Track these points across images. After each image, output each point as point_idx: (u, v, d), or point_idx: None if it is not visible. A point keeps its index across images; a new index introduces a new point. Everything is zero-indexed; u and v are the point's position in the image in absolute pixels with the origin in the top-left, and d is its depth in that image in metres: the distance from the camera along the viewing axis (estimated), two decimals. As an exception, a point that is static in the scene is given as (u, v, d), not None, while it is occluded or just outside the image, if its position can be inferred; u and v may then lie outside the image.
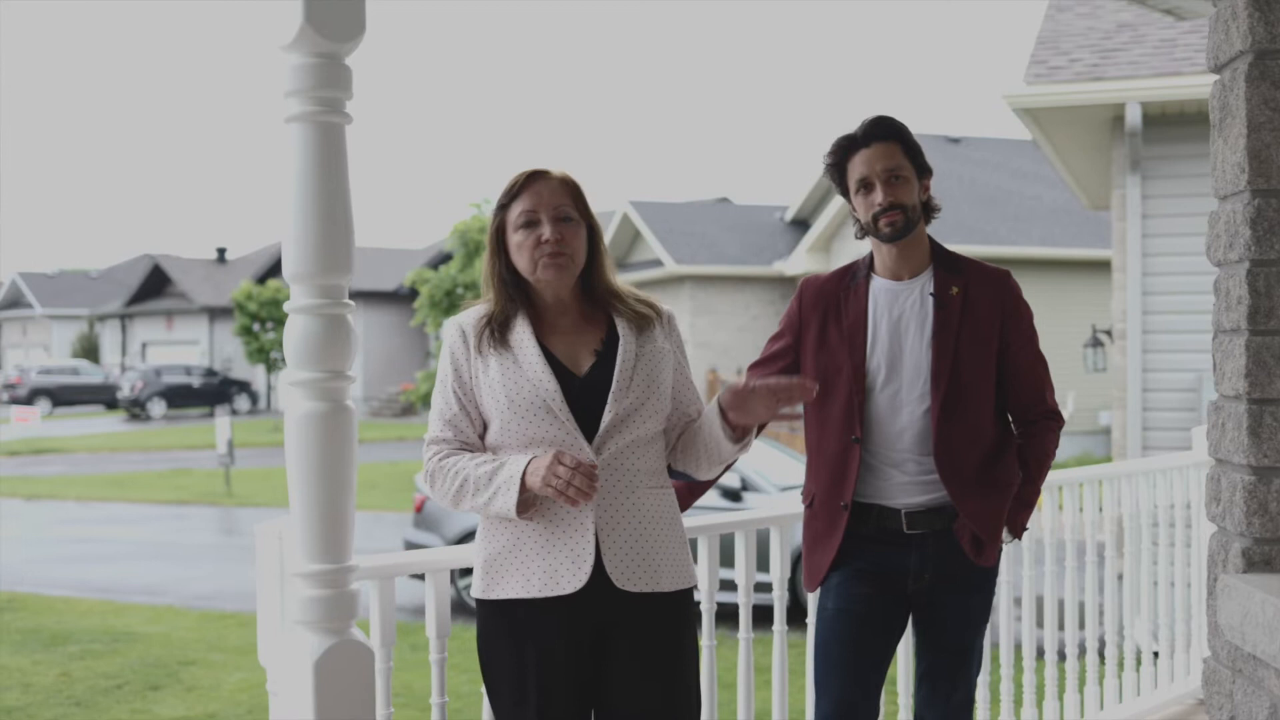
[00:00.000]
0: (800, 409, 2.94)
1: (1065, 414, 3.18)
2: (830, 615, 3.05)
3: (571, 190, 2.63)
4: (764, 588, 7.26)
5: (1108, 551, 4.61)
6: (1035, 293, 3.17)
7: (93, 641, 9.34)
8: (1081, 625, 4.70)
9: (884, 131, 2.99)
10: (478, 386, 2.60)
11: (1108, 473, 4.57)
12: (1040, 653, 6.19)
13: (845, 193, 3.07)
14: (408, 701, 7.21)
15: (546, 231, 2.57)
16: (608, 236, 24.38)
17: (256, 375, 40.47)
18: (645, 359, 2.62)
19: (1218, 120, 2.44)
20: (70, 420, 36.89)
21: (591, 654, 2.57)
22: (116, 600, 11.19)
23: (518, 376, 2.55)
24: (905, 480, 3.00)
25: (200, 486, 19.86)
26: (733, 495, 9.51)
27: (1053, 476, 4.03)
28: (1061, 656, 4.52)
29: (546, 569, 2.53)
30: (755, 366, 3.19)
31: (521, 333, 2.60)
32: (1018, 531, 3.13)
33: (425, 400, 23.77)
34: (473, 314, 2.66)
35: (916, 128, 3.05)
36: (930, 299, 3.02)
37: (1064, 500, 4.39)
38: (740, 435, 2.64)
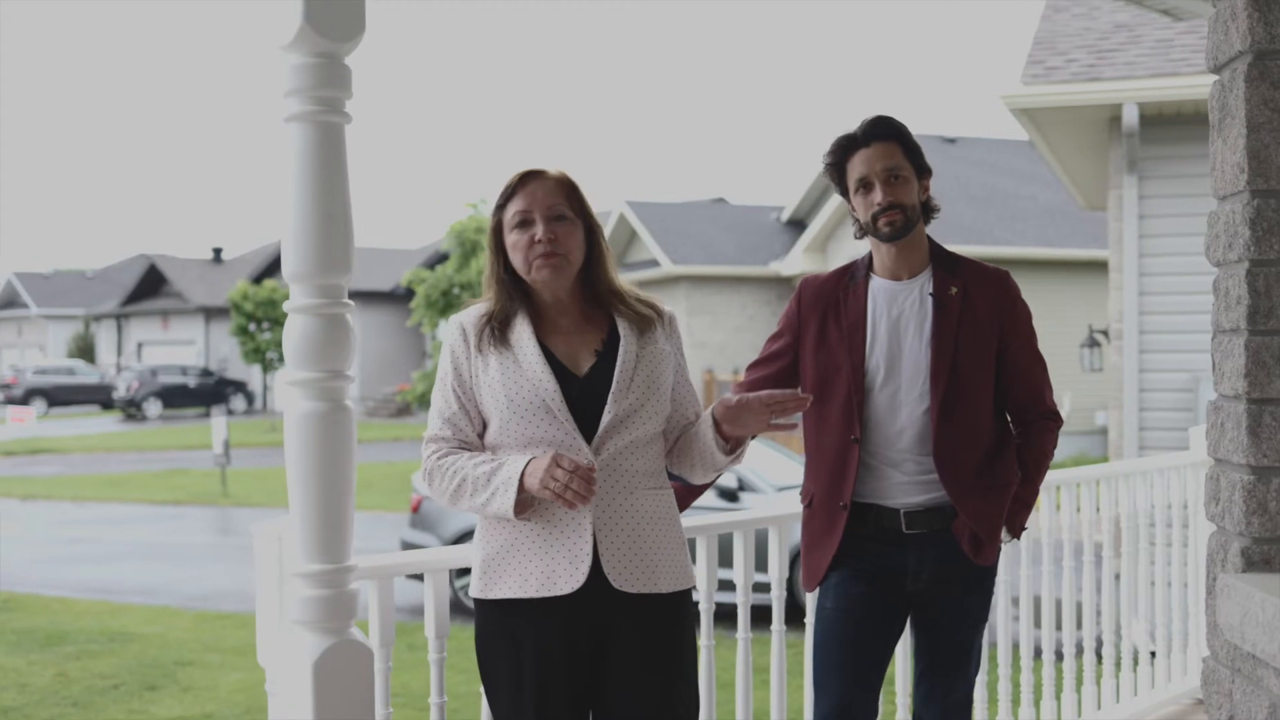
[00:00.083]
0: (796, 418, 2.94)
1: (1062, 414, 3.19)
2: (829, 615, 3.05)
3: (567, 189, 2.63)
4: (762, 588, 7.27)
5: (1105, 551, 4.62)
6: (1031, 293, 3.17)
7: (89, 642, 9.33)
8: (1079, 625, 4.70)
9: (884, 131, 2.99)
10: (477, 385, 2.60)
11: (1105, 473, 4.57)
12: (1038, 652, 6.20)
13: (845, 192, 3.07)
14: (406, 701, 7.21)
15: (539, 232, 2.57)
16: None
17: (252, 375, 40.44)
18: (646, 360, 2.62)
19: (1217, 120, 2.44)
20: (66, 420, 36.86)
21: (589, 655, 2.57)
22: (113, 600, 11.18)
23: (517, 376, 2.55)
24: (904, 480, 3.01)
25: (196, 487, 19.84)
26: (730, 495, 9.51)
27: (1050, 476, 4.03)
28: (1059, 656, 4.54)
29: (544, 569, 2.53)
30: (754, 366, 3.19)
31: (522, 332, 2.60)
32: (1017, 531, 3.13)
33: (421, 400, 23.79)
34: (473, 312, 2.66)
35: (913, 128, 3.05)
36: (929, 299, 3.02)
37: (1061, 500, 4.39)
38: (733, 447, 2.65)
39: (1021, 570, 4.18)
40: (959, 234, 20.36)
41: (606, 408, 2.55)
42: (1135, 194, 8.53)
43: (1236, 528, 2.35)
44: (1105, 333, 10.54)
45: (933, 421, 2.97)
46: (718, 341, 26.49)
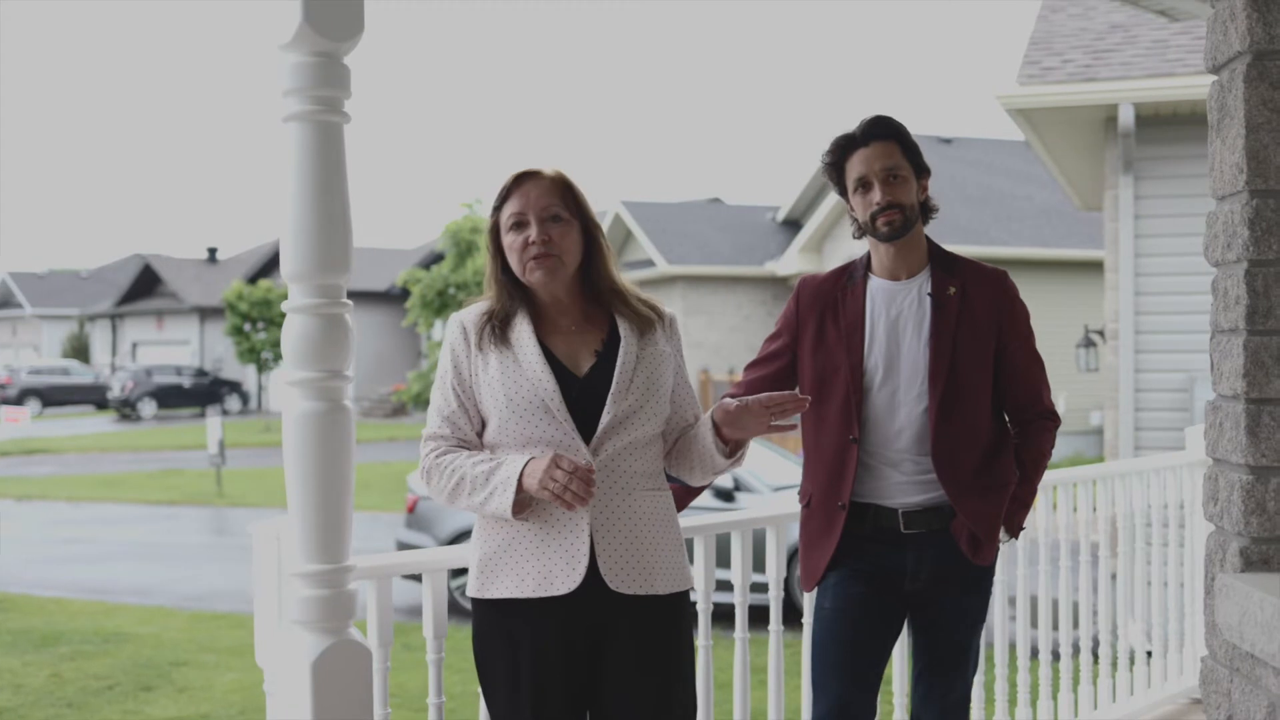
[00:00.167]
0: (795, 419, 2.95)
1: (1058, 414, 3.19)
2: (827, 615, 3.05)
3: (562, 189, 2.62)
4: (759, 588, 7.27)
5: (1101, 551, 4.62)
6: (1027, 293, 3.18)
7: (84, 642, 9.32)
8: (1076, 625, 4.71)
9: (883, 131, 2.99)
10: (477, 384, 2.60)
11: (1101, 473, 4.58)
12: (1034, 652, 6.21)
13: (843, 192, 3.07)
14: (402, 702, 7.20)
15: (533, 233, 2.57)
16: (600, 237, 24.31)
17: (247, 375, 40.41)
18: (646, 361, 2.61)
19: (1216, 121, 2.45)
20: (61, 421, 36.80)
21: (586, 655, 2.56)
22: (108, 601, 11.17)
23: (517, 375, 2.55)
24: (902, 480, 3.01)
25: (191, 487, 19.83)
26: (726, 495, 9.51)
27: (1047, 476, 4.04)
28: (1056, 656, 4.54)
29: (541, 570, 2.53)
30: (752, 366, 3.19)
31: (522, 331, 2.60)
32: (1015, 531, 3.13)
33: (417, 401, 23.77)
34: (474, 311, 2.66)
35: (909, 128, 3.05)
36: (928, 299, 3.02)
37: (1058, 500, 4.39)
38: (733, 450, 2.65)
39: (1018, 570, 4.19)
40: (955, 234, 20.37)
41: (606, 408, 2.55)
42: (1131, 194, 8.54)
43: (1235, 527, 2.35)
44: (1101, 333, 10.55)
45: (931, 421, 2.97)
46: (713, 341, 26.50)
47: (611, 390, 2.56)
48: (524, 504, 2.51)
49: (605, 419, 2.55)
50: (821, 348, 3.06)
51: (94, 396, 40.84)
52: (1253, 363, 2.32)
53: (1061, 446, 17.64)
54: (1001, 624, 4.08)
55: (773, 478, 9.74)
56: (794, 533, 3.49)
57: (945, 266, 3.06)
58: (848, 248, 22.78)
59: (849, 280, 3.10)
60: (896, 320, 3.03)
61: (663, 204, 30.11)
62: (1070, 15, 9.77)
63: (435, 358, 23.72)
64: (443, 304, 23.19)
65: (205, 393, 37.99)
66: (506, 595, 2.55)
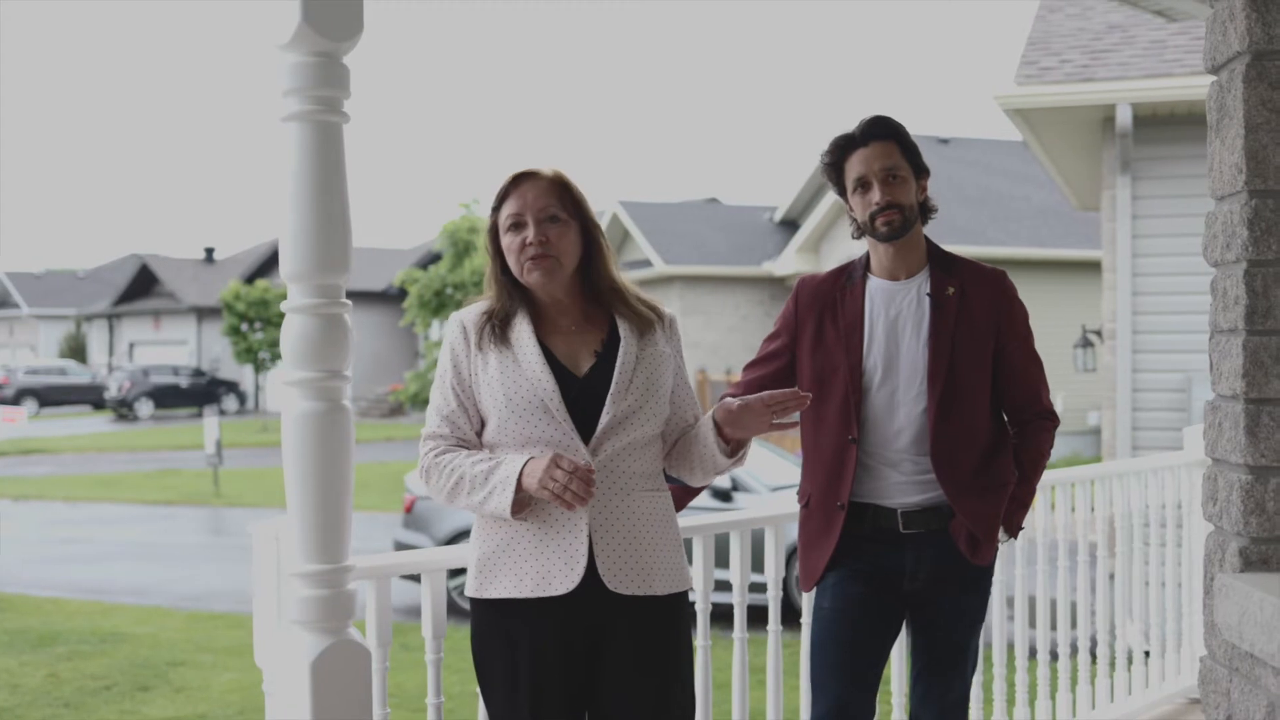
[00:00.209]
0: (795, 416, 2.95)
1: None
2: (826, 615, 3.05)
3: (560, 189, 2.62)
4: (759, 588, 7.26)
5: (1099, 551, 4.62)
6: (1024, 293, 3.19)
7: (81, 642, 9.31)
8: (1074, 625, 4.71)
9: (882, 131, 2.99)
10: (477, 384, 2.60)
11: (1099, 473, 4.58)
12: (1032, 652, 6.21)
13: (842, 192, 3.07)
14: (400, 702, 7.20)
15: (530, 234, 2.57)
16: (597, 237, 24.31)
17: (245, 375, 40.39)
18: (645, 362, 2.61)
19: (1215, 121, 2.45)
20: (57, 420, 36.77)
21: (584, 655, 2.56)
22: (104, 601, 11.16)
23: (516, 375, 2.55)
24: (901, 480, 3.01)
25: (188, 487, 19.81)
26: (723, 495, 9.51)
27: (1045, 476, 4.04)
28: (1054, 656, 4.54)
29: (539, 570, 2.53)
30: (751, 366, 3.19)
31: (522, 331, 2.60)
32: (1014, 531, 3.13)
33: (414, 401, 23.75)
34: (474, 310, 2.66)
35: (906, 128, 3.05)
36: (927, 299, 3.02)
37: (1056, 500, 4.39)
38: (735, 449, 2.65)
39: (1017, 570, 4.19)
40: (952, 235, 20.38)
41: (605, 409, 2.55)
42: (1129, 194, 8.55)
43: (1234, 527, 2.35)
44: (1099, 333, 10.56)
45: (930, 421, 2.97)
46: (711, 342, 26.50)
47: (611, 390, 2.55)
48: (523, 503, 2.51)
49: (604, 419, 2.54)
50: (820, 348, 3.06)
51: (91, 396, 40.81)
52: (1252, 363, 2.32)
53: (1059, 446, 17.54)
54: (1000, 624, 4.08)
55: (770, 478, 9.74)
56: (792, 533, 3.49)
57: (944, 266, 3.06)
58: (845, 248, 22.78)
59: (848, 280, 3.10)
60: (895, 320, 3.03)
61: (660, 204, 30.12)
62: (1068, 15, 9.78)
63: (432, 358, 23.71)
64: (440, 304, 23.18)
65: (202, 393, 37.97)
66: (505, 595, 2.55)
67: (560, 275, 2.60)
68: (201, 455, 20.92)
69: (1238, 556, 2.33)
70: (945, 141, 26.50)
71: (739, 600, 3.39)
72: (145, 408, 36.63)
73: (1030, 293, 3.14)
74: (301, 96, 2.28)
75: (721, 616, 3.82)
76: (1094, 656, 4.58)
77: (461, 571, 2.92)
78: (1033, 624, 4.95)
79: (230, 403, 38.72)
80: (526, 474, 2.48)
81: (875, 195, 2.97)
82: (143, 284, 45.01)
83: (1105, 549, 4.63)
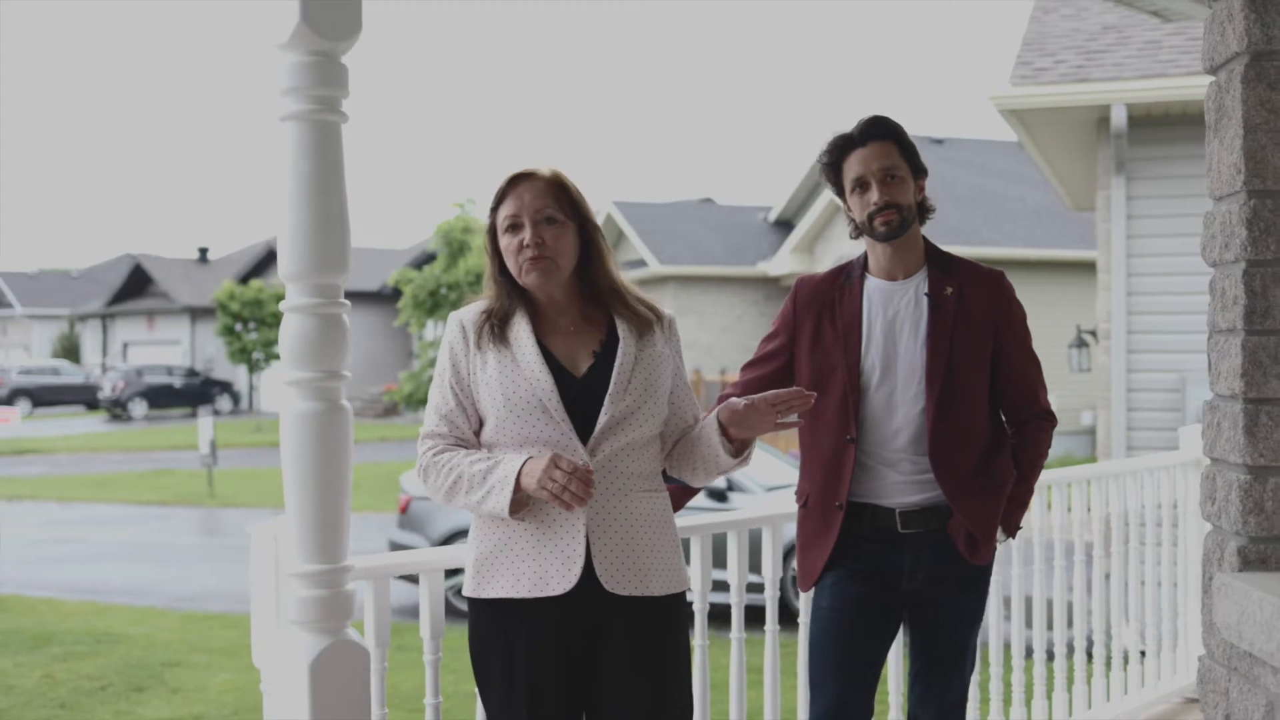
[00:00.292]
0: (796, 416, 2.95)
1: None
2: (825, 615, 3.05)
3: (557, 190, 2.62)
4: (755, 588, 7.25)
5: (1095, 551, 4.63)
6: (1019, 294, 3.20)
7: (76, 643, 9.29)
8: (1070, 624, 4.72)
9: (880, 131, 2.99)
10: (475, 383, 2.59)
11: (1095, 473, 4.59)
12: (1029, 652, 6.21)
13: (841, 192, 3.07)
14: (396, 703, 7.19)
15: (527, 236, 2.57)
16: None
17: (238, 375, 40.34)
18: (644, 362, 2.61)
19: (1213, 121, 2.45)
20: (51, 421, 36.71)
21: (582, 656, 2.56)
22: (99, 601, 11.14)
23: (515, 375, 2.55)
24: (900, 480, 3.01)
25: (182, 487, 19.79)
26: (719, 496, 9.50)
27: (1041, 476, 4.05)
28: (1050, 656, 4.54)
29: (536, 570, 2.53)
30: (749, 366, 3.19)
31: (521, 331, 2.60)
32: (1012, 530, 3.13)
33: (408, 401, 23.72)
34: (473, 309, 2.66)
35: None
36: (925, 299, 3.02)
37: (1052, 500, 4.40)
38: (740, 449, 2.65)
39: (1013, 570, 4.19)
40: (946, 235, 20.40)
41: (603, 409, 2.55)
42: (1123, 195, 8.56)
43: (1233, 527, 2.36)
44: (1093, 333, 10.57)
45: (928, 421, 2.97)
46: (705, 341, 26.51)
47: (609, 391, 2.55)
48: (521, 503, 2.51)
49: (602, 419, 2.54)
50: (819, 348, 3.06)
51: (85, 396, 40.76)
52: (1250, 362, 2.32)
53: (1054, 446, 17.62)
54: (996, 624, 4.08)
55: (766, 478, 9.73)
56: (790, 532, 3.48)
57: (942, 266, 3.06)
58: (839, 248, 22.80)
59: (846, 280, 3.10)
60: (894, 320, 3.03)
61: (655, 204, 30.13)
62: (1063, 16, 9.79)
63: (427, 358, 23.68)
64: (435, 304, 23.16)
65: (196, 393, 37.91)
66: (502, 595, 2.55)
67: (558, 276, 2.60)
68: (195, 455, 20.90)
69: (1236, 556, 2.33)
70: (940, 142, 26.53)
71: (736, 600, 3.39)
72: (139, 408, 36.58)
73: (1024, 293, 3.15)
74: (300, 96, 2.27)
75: (716, 616, 3.82)
76: (1090, 656, 4.58)
77: (454, 572, 2.92)
78: (1029, 624, 4.95)
79: (224, 403, 38.67)
80: (525, 474, 2.48)
81: (874, 195, 2.97)
82: (136, 284, 44.95)
83: (1101, 549, 4.64)
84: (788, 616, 6.60)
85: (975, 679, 3.81)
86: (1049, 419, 3.12)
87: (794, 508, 3.22)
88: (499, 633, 2.57)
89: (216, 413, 36.98)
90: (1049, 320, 18.43)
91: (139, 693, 7.93)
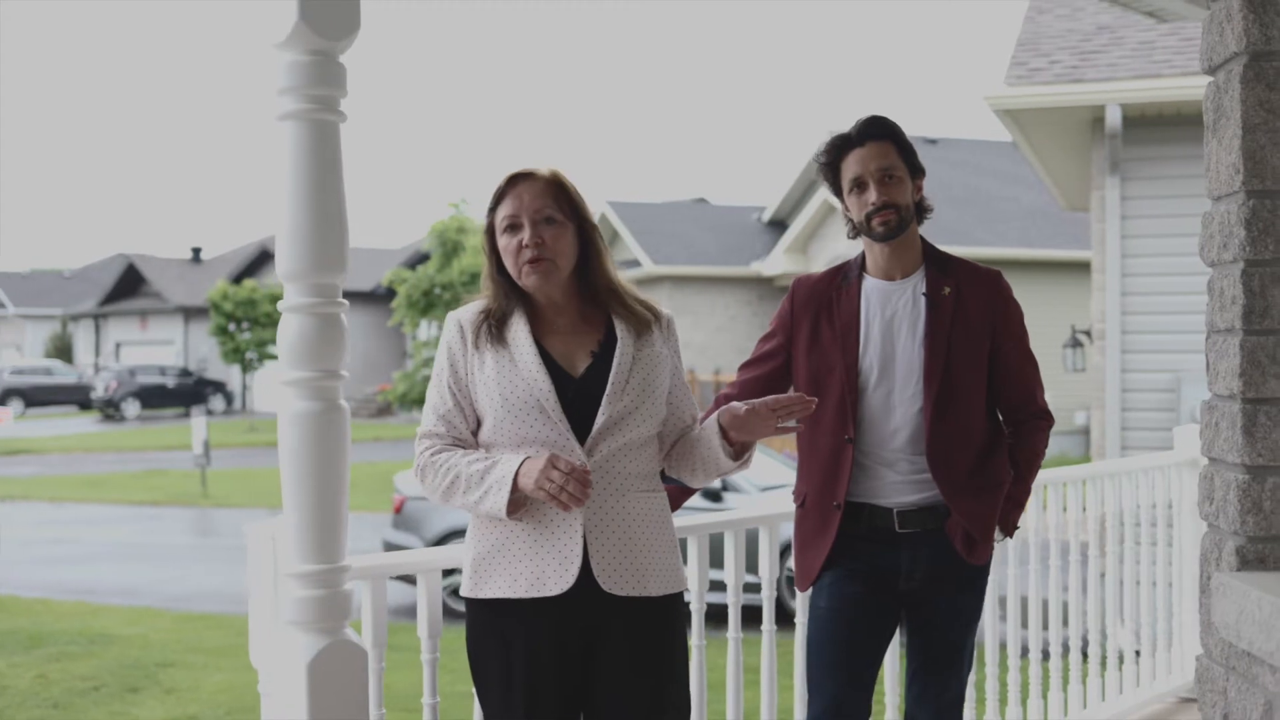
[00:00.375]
0: (797, 421, 2.95)
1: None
2: (822, 615, 3.05)
3: (556, 190, 2.61)
4: (752, 588, 7.26)
5: (1091, 551, 4.63)
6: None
7: (69, 643, 9.28)
8: (1065, 624, 4.72)
9: (878, 131, 2.99)
10: (473, 383, 2.59)
11: (1090, 472, 4.59)
12: (1024, 651, 6.22)
13: (838, 192, 3.07)
14: (391, 703, 7.18)
15: (526, 236, 2.57)
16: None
17: (232, 375, 40.28)
18: (642, 363, 2.61)
19: (1212, 122, 2.45)
20: (44, 421, 36.64)
21: (579, 656, 2.56)
22: (93, 601, 11.12)
23: (513, 375, 2.55)
24: (898, 479, 3.01)
25: (176, 487, 19.76)
26: (713, 496, 9.51)
27: (1037, 476, 4.05)
28: (1045, 655, 4.55)
29: (533, 570, 2.52)
30: (746, 366, 3.19)
31: (519, 331, 2.59)
32: (1009, 530, 3.14)
33: (403, 400, 23.71)
34: (471, 309, 2.65)
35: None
36: (923, 299, 3.02)
37: (1047, 499, 4.41)
38: (740, 452, 2.65)
39: (1009, 570, 4.20)
40: (941, 235, 20.43)
41: (601, 409, 2.54)
42: (1118, 195, 8.57)
43: (1231, 527, 2.36)
44: (1088, 333, 10.59)
45: (926, 421, 2.97)
46: (699, 342, 26.52)
47: (607, 391, 2.55)
48: (519, 503, 2.50)
49: (600, 420, 2.54)
50: (816, 348, 3.06)
51: (77, 397, 40.68)
52: (1249, 362, 2.33)
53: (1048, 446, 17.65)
54: (992, 623, 4.09)
55: (760, 478, 9.74)
56: (786, 532, 3.48)
57: (940, 266, 3.06)
58: (834, 248, 22.82)
59: (844, 280, 3.10)
60: (891, 320, 3.03)
61: (649, 204, 30.14)
62: (1057, 16, 9.80)
63: (421, 358, 23.65)
64: (429, 304, 23.15)
65: (189, 393, 37.86)
66: (499, 595, 2.55)
67: (556, 277, 2.60)
68: (189, 456, 20.87)
69: (1234, 556, 2.33)
70: (933, 142, 26.57)
71: (733, 600, 3.39)
72: (132, 408, 36.52)
73: (1019, 293, 3.15)
74: (298, 95, 2.27)
75: (712, 616, 3.82)
76: (1085, 656, 4.59)
77: (450, 572, 2.92)
78: (1025, 623, 4.96)
79: (217, 403, 38.63)
80: (523, 474, 2.47)
81: (871, 195, 2.98)
82: (129, 284, 44.87)
83: (1096, 548, 4.64)
84: (784, 617, 6.61)
85: (971, 679, 3.81)
86: (1046, 419, 3.12)
87: (790, 507, 3.22)
88: (496, 633, 2.56)
89: (210, 413, 36.90)
90: (1043, 320, 18.43)
91: (133, 693, 7.92)
